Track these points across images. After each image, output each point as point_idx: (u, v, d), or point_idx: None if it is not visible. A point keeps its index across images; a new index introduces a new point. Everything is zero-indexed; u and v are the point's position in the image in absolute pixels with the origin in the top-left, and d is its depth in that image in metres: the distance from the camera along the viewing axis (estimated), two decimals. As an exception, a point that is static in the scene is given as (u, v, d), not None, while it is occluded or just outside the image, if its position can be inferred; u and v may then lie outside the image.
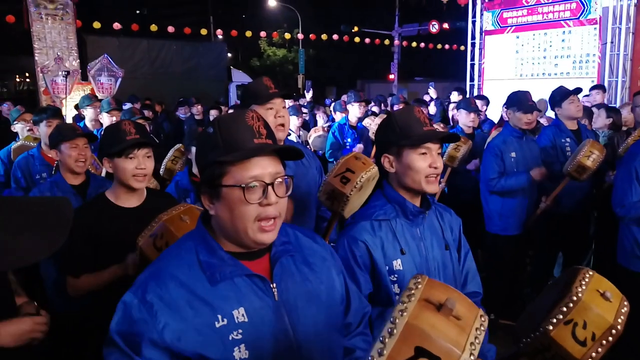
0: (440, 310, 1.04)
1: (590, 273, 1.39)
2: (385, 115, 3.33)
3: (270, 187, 1.29)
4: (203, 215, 1.40)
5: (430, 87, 10.69)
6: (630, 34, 8.61)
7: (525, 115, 4.14)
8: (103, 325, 1.36)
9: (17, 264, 0.92)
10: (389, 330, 0.99)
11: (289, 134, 2.80)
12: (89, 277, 2.35)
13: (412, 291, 1.08)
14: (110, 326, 1.26)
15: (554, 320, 1.32)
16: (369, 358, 0.97)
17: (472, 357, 0.98)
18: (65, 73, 10.81)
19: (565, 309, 1.32)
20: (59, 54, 12.37)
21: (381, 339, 0.98)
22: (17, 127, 5.43)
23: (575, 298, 1.32)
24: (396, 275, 1.88)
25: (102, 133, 2.63)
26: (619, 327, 1.30)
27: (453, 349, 0.98)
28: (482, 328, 1.05)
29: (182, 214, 2.04)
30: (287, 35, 26.52)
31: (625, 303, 1.36)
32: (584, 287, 1.34)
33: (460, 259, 2.06)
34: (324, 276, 1.47)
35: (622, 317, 1.32)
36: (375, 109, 8.87)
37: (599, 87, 6.86)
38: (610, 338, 1.30)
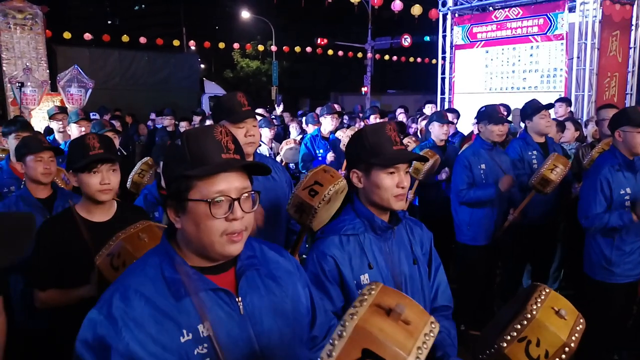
0: (389, 314, 1.06)
1: (547, 290, 1.41)
2: (356, 128, 3.35)
3: (236, 202, 1.29)
4: (168, 230, 1.39)
5: (402, 113, 10.64)
6: (596, 50, 8.85)
7: (497, 127, 4.22)
8: (70, 343, 1.33)
9: None
10: (339, 332, 1.01)
11: (260, 145, 2.79)
12: (57, 293, 2.31)
13: (365, 297, 1.10)
14: (76, 341, 1.25)
15: (508, 338, 1.34)
16: (319, 359, 0.98)
17: None
18: (20, 84, 10.60)
19: (519, 326, 1.34)
20: (27, 64, 12.16)
21: (331, 341, 1.01)
22: None
23: (529, 315, 1.34)
24: None
25: (68, 146, 2.59)
26: (572, 345, 1.32)
27: (399, 352, 1.00)
28: (432, 334, 1.08)
29: (140, 232, 2.01)
30: (261, 47, 26.59)
31: (581, 321, 1.38)
32: (539, 305, 1.36)
33: (430, 274, 2.06)
34: (290, 290, 1.47)
35: (576, 334, 1.34)
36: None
37: (564, 99, 7.01)
38: (564, 356, 1.32)
